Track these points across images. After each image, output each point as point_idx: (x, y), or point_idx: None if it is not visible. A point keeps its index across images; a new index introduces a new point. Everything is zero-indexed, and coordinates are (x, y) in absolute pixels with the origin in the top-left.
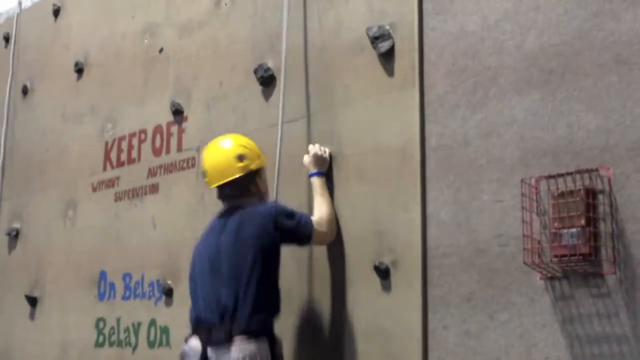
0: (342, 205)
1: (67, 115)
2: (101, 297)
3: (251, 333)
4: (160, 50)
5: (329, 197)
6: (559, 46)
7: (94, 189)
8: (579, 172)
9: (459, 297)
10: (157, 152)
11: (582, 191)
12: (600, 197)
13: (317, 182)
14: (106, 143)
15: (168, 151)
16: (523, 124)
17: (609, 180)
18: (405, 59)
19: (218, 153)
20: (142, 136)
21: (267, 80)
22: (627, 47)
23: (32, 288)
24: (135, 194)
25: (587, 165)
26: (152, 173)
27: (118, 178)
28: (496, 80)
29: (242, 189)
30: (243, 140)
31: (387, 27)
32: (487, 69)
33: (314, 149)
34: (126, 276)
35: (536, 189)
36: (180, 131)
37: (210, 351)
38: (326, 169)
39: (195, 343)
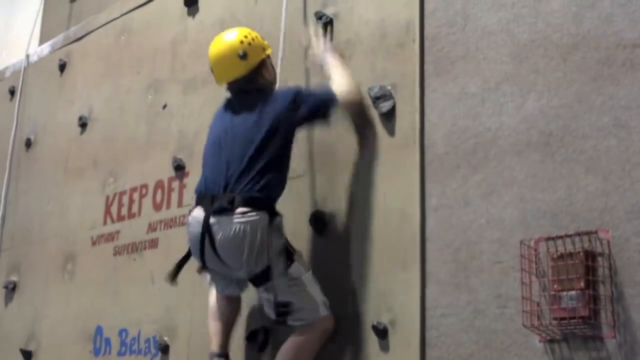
0: (341, 263)
1: (69, 169)
2: (96, 352)
3: (253, 204)
4: (164, 107)
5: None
6: (558, 109)
7: (94, 243)
8: (578, 234)
9: (457, 358)
10: (157, 207)
11: (581, 253)
12: (600, 259)
13: (331, 61)
14: (107, 197)
15: (169, 206)
16: (523, 185)
17: (608, 242)
18: (406, 119)
19: (221, 51)
20: (143, 191)
21: None
22: (626, 111)
23: (28, 341)
24: (134, 248)
25: (586, 228)
26: (152, 228)
27: (118, 232)
28: (496, 142)
29: (249, 82)
30: (245, 33)
31: (389, 88)
32: (488, 130)
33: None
34: (122, 332)
35: (535, 250)
36: (182, 186)
37: (212, 219)
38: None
39: (198, 212)
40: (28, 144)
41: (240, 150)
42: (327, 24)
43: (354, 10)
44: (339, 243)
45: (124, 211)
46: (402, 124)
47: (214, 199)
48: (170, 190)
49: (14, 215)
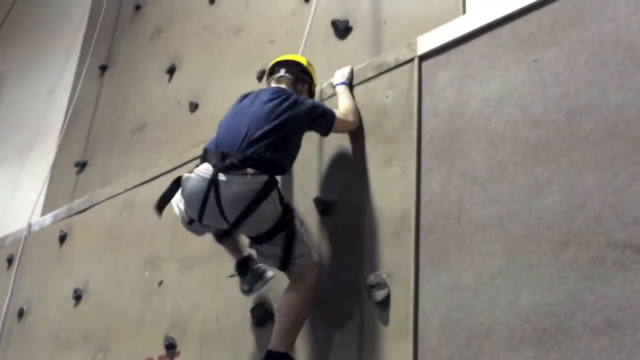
0: None
1: (59, 341)
2: None
3: (263, 168)
4: (160, 283)
5: (351, 98)
6: (552, 305)
7: None
8: None
9: None
10: None
11: None
12: None
13: (340, 88)
14: None
15: None
16: None
17: None
18: (401, 308)
19: (294, 56)
20: None
21: (262, 319)
22: (618, 311)
23: None
24: None
25: None
26: None
27: None
28: (490, 336)
29: (292, 80)
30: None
31: (384, 276)
32: (481, 324)
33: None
34: None
35: None
36: None
37: (222, 176)
38: (350, 80)
39: (206, 167)
40: (20, 313)
41: (263, 122)
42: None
43: (351, 197)
44: None
45: None
46: (396, 313)
47: (224, 157)
48: None
49: None
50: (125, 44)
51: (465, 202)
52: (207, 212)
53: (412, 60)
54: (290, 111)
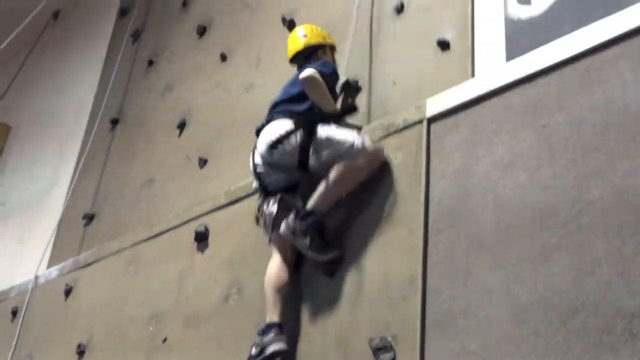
0: None
1: None
2: None
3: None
4: (164, 340)
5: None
6: None
7: None
8: None
9: None
10: None
11: None
12: None
13: None
14: None
15: None
16: None
17: None
18: None
19: (291, 37)
20: None
21: None
22: None
23: None
24: None
25: None
26: None
27: None
28: None
29: (306, 59)
30: (310, 25)
31: (390, 339)
32: None
33: None
34: None
35: None
36: None
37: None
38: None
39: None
40: None
41: (284, 93)
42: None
43: (358, 258)
44: None
45: None
46: None
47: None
48: None
49: None
50: (137, 98)
51: (472, 265)
52: (260, 166)
53: (420, 122)
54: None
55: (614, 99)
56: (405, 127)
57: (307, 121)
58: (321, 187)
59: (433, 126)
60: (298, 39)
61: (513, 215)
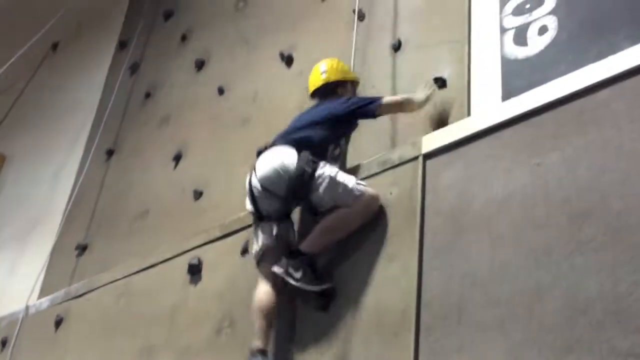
0: None
1: None
2: None
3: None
4: None
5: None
6: None
7: None
8: None
9: None
10: None
11: None
12: None
13: None
14: None
15: None
16: None
17: None
18: None
19: (313, 71)
20: None
21: None
22: None
23: None
24: None
25: None
26: None
27: None
28: None
29: (326, 94)
30: (332, 60)
31: None
32: None
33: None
34: None
35: None
36: None
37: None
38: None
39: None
40: None
41: (309, 121)
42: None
43: (351, 293)
44: None
45: None
46: None
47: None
48: None
49: None
50: (133, 130)
51: (466, 302)
52: (259, 199)
53: (416, 158)
54: (329, 111)
55: (609, 140)
56: (401, 163)
57: (312, 153)
58: (316, 231)
59: (429, 163)
60: (319, 74)
61: (507, 252)
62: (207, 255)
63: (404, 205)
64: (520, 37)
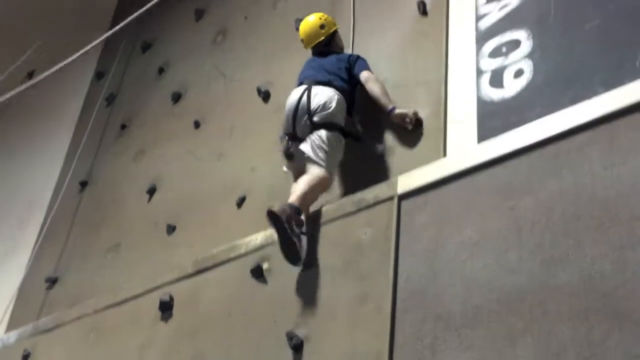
0: None
1: None
2: None
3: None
4: None
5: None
6: None
7: None
8: None
9: None
10: None
11: None
12: None
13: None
14: None
15: None
16: None
17: None
18: None
19: (308, 25)
20: None
21: None
22: None
23: None
24: None
25: None
26: None
27: None
28: None
29: (327, 45)
30: (321, 14)
31: None
32: None
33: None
34: None
35: None
36: None
37: (314, 89)
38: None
39: (301, 87)
40: None
41: (327, 71)
42: None
43: (325, 335)
44: None
45: None
46: None
47: (314, 80)
48: None
49: None
50: (107, 162)
51: (439, 345)
52: (298, 118)
53: (391, 198)
54: (344, 65)
55: (582, 185)
56: (376, 203)
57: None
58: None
59: (404, 203)
60: (317, 29)
61: (480, 296)
62: (179, 292)
63: (378, 246)
64: (497, 80)
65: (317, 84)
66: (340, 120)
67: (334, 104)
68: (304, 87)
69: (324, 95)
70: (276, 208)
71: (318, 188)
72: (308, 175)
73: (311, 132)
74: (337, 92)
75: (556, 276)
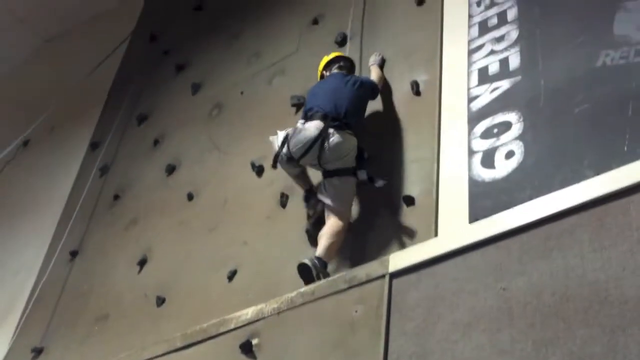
0: None
1: None
2: None
3: (350, 129)
4: None
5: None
6: None
7: None
8: None
9: None
10: None
11: None
12: None
13: (373, 68)
14: None
15: None
16: None
17: None
18: None
19: (327, 57)
20: None
21: None
22: None
23: None
24: None
25: None
26: None
27: None
28: None
29: (348, 68)
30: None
31: None
32: None
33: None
34: None
35: None
36: None
37: (331, 130)
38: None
39: (317, 122)
40: None
41: (345, 97)
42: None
43: None
44: None
45: None
46: None
47: (326, 116)
48: None
49: None
50: (99, 232)
51: None
52: (309, 155)
53: (383, 276)
54: (361, 89)
55: (573, 267)
56: (368, 281)
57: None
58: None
59: (395, 282)
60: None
61: None
62: None
63: (369, 324)
64: (488, 160)
65: (333, 126)
66: (352, 162)
67: (351, 154)
68: (319, 125)
69: (340, 145)
70: (308, 262)
71: (341, 235)
72: (328, 227)
73: (321, 170)
74: (352, 135)
75: (547, 357)
